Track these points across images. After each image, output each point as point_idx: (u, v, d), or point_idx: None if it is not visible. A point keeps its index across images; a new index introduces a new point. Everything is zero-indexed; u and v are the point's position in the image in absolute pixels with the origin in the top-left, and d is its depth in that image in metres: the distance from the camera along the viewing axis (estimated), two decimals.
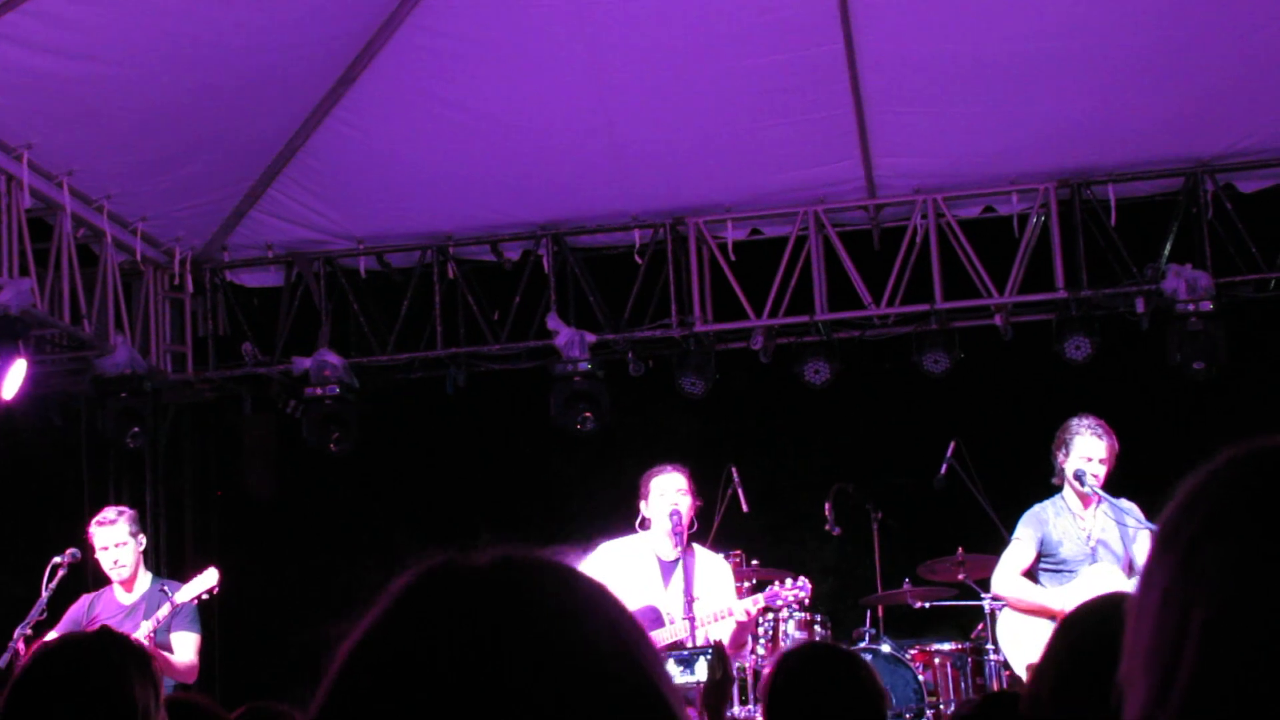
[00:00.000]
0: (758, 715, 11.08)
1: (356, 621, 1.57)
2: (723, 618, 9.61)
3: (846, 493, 13.72)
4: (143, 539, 10.77)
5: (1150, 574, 1.67)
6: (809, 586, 10.13)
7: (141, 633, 10.11)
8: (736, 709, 11.13)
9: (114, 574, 10.59)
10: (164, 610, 10.26)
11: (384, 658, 1.51)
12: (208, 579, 10.52)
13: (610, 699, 1.49)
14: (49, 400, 14.24)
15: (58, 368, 14.03)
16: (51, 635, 10.26)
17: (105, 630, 4.20)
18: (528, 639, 1.49)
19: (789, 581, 10.09)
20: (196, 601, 10.51)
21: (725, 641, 9.61)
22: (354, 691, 1.51)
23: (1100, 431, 9.95)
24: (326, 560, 18.95)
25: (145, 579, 10.75)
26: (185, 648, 10.41)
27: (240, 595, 15.78)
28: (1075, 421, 10.05)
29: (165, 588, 10.51)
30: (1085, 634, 2.72)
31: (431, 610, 1.53)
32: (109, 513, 10.71)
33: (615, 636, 1.55)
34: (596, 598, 1.58)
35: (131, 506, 14.86)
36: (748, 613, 9.71)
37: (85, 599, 10.74)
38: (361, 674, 1.52)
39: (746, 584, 11.60)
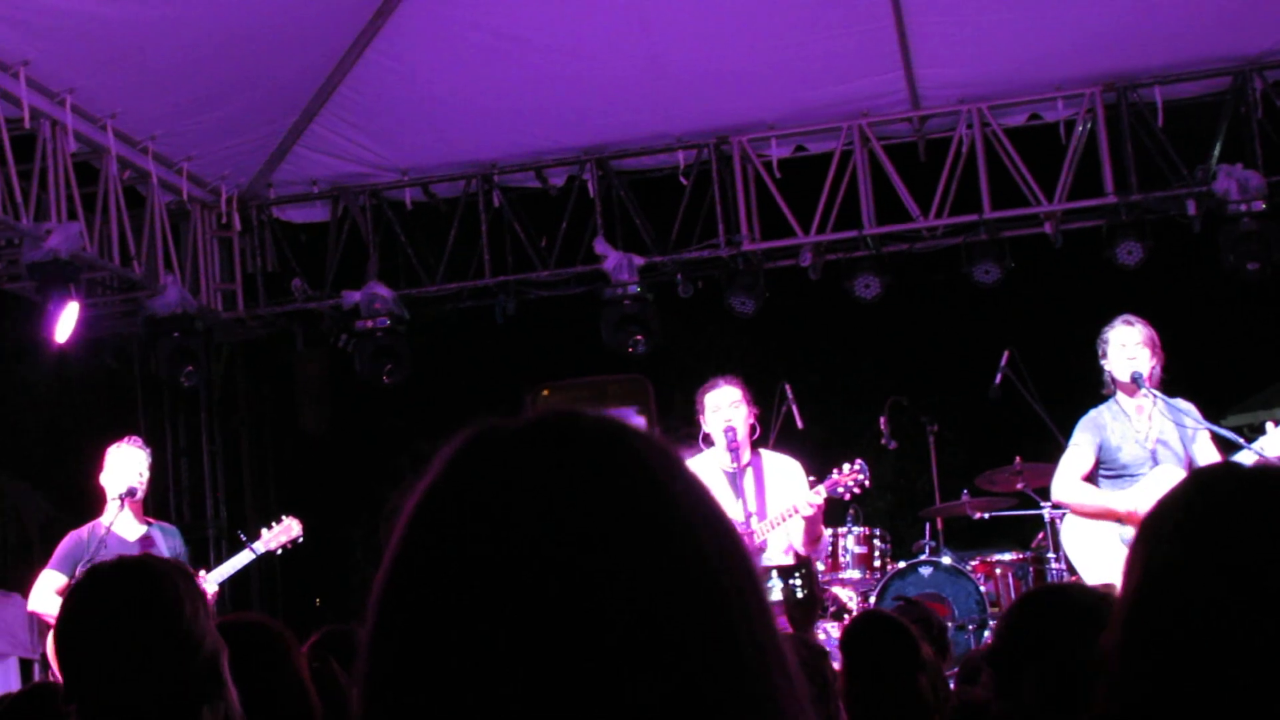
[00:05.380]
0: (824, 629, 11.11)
1: (411, 488, 1.59)
2: (790, 516, 9.57)
3: (901, 406, 13.71)
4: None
5: (1137, 535, 2.54)
6: (866, 468, 10.05)
7: (222, 572, 10.15)
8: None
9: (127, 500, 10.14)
10: (243, 557, 10.24)
11: (442, 517, 1.54)
12: (290, 530, 10.49)
13: (671, 528, 1.52)
14: (102, 342, 14.33)
15: (109, 310, 14.10)
16: (48, 571, 10.11)
17: (146, 555, 4.28)
18: (579, 479, 1.52)
19: (845, 467, 10.00)
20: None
21: (800, 540, 9.61)
22: (416, 553, 1.54)
23: (1130, 319, 9.87)
24: (381, 491, 19.05)
25: (141, 520, 10.39)
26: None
27: None
28: (1107, 325, 9.99)
29: (244, 537, 10.49)
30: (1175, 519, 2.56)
31: (481, 466, 1.56)
32: (137, 442, 10.39)
33: (667, 472, 1.56)
34: (643, 439, 1.60)
35: (188, 445, 15.08)
36: (812, 506, 9.66)
37: (75, 535, 10.25)
38: (422, 536, 1.55)
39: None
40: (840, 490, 10.01)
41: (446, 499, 1.55)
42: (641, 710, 1.45)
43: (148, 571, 3.95)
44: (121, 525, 10.25)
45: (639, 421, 2.33)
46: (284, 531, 10.53)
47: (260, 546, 10.38)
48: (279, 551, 10.61)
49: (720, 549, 1.54)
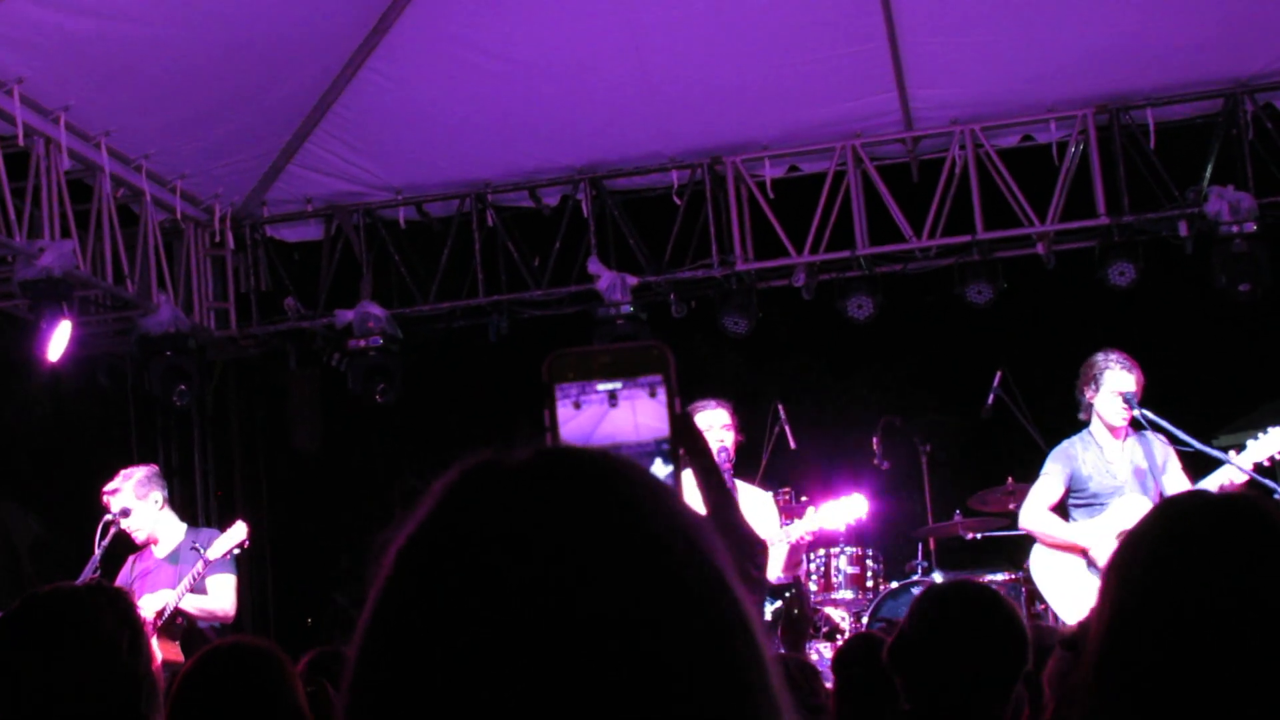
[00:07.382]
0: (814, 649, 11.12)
1: (400, 525, 1.55)
2: (774, 544, 9.55)
3: (894, 426, 13.72)
4: (157, 495, 10.58)
5: (1107, 572, 2.57)
6: (865, 503, 10.04)
7: (181, 588, 10.15)
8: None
9: (136, 537, 10.54)
10: (199, 567, 10.25)
11: (430, 557, 1.50)
12: (237, 533, 10.49)
13: (663, 578, 1.48)
14: (95, 361, 14.30)
15: (102, 328, 14.09)
16: None
17: (98, 584, 4.30)
18: (573, 525, 1.48)
19: (844, 505, 10.01)
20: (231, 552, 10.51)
21: (779, 567, 9.60)
22: (403, 593, 1.50)
23: (1128, 365, 9.92)
24: (374, 510, 19.02)
25: (176, 530, 10.66)
26: (223, 590, 10.37)
27: (291, 547, 15.90)
28: (1101, 357, 10.00)
29: (198, 544, 10.47)
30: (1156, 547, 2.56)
31: (475, 506, 1.51)
32: (114, 482, 10.54)
33: (664, 518, 1.52)
34: (642, 480, 1.56)
35: (180, 464, 15.03)
36: (807, 535, 9.66)
37: (129, 560, 10.71)
38: (409, 575, 1.51)
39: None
40: (833, 524, 10.03)
41: (438, 540, 1.51)
42: None
43: (76, 605, 3.95)
44: (153, 549, 10.60)
45: (661, 392, 2.28)
46: (231, 536, 10.52)
47: (212, 554, 10.38)
48: (228, 557, 10.58)
49: (715, 593, 1.51)
